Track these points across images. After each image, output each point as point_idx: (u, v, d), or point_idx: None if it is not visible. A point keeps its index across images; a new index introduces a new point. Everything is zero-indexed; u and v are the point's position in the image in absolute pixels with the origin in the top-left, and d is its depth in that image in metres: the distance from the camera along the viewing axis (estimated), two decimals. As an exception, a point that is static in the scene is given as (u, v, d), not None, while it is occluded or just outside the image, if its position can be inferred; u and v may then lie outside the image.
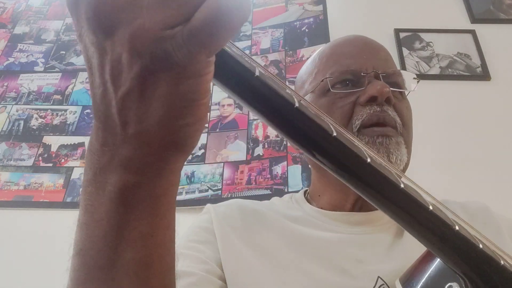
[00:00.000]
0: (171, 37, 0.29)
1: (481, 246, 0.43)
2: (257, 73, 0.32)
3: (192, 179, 1.68)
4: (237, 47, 0.32)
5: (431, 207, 0.39)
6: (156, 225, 0.39)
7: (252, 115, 1.76)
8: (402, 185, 0.37)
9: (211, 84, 0.33)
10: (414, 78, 0.88)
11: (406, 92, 0.89)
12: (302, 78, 0.95)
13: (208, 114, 1.84)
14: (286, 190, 1.61)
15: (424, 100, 1.81)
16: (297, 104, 0.32)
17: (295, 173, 1.65)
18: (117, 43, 0.30)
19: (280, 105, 0.32)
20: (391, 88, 0.81)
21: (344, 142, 0.34)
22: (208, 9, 0.29)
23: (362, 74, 0.82)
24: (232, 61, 0.32)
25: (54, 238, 1.57)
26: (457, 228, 0.41)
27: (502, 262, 0.45)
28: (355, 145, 0.35)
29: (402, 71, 0.87)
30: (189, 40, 0.29)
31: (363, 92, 0.81)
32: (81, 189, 0.39)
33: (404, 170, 0.81)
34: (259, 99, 0.32)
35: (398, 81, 0.86)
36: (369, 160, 0.35)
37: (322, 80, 0.85)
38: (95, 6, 0.29)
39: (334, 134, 0.34)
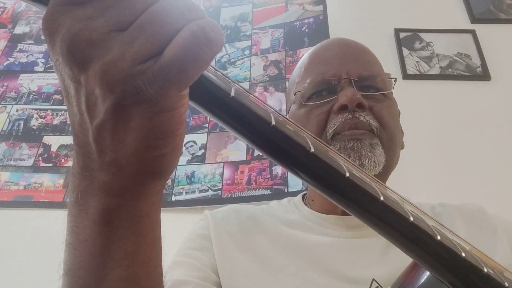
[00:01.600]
0: (141, 73, 0.29)
1: (463, 254, 0.43)
2: (232, 94, 0.32)
3: (192, 179, 1.68)
4: (212, 66, 0.33)
5: (412, 218, 0.39)
6: (140, 243, 0.40)
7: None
8: (382, 198, 0.37)
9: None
10: (389, 78, 0.89)
11: (390, 93, 0.89)
12: (289, 87, 0.98)
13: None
14: (286, 190, 1.61)
15: (424, 100, 1.81)
16: (273, 122, 0.33)
17: (295, 173, 1.65)
18: (90, 78, 0.30)
19: (257, 124, 0.33)
20: (363, 93, 0.82)
21: (322, 157, 0.34)
22: (178, 45, 0.29)
23: (333, 82, 0.83)
24: (207, 82, 0.32)
25: (54, 238, 1.58)
26: (439, 237, 0.41)
27: (485, 270, 0.45)
28: (334, 160, 0.35)
29: (380, 72, 0.88)
30: (160, 76, 0.29)
31: (335, 100, 0.82)
32: (67, 211, 0.40)
33: (385, 171, 0.81)
34: (236, 119, 0.33)
35: (375, 84, 0.86)
36: (348, 174, 0.35)
37: (295, 94, 0.87)
38: (69, 40, 0.29)
39: (312, 150, 0.34)
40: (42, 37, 2.16)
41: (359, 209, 0.37)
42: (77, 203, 0.37)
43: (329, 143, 0.80)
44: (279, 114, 0.35)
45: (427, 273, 0.52)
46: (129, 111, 0.31)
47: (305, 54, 0.96)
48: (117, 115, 0.31)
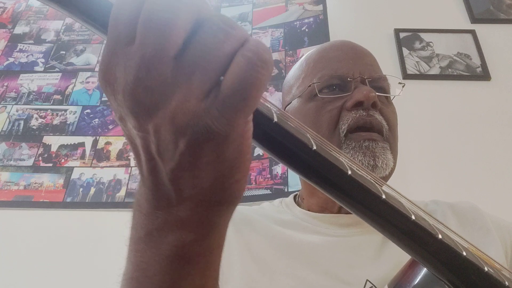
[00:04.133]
0: (206, 109, 0.29)
1: (464, 253, 0.43)
2: None
3: (192, 179, 1.68)
4: None
5: (413, 217, 0.39)
6: (208, 276, 0.40)
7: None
8: (383, 196, 0.37)
9: None
10: (399, 82, 0.89)
11: (392, 97, 0.90)
12: (290, 83, 0.96)
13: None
14: (286, 190, 1.61)
15: (424, 100, 1.81)
16: (276, 119, 0.33)
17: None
18: (158, 125, 0.30)
19: (259, 121, 0.32)
20: (377, 93, 0.82)
21: (325, 155, 0.34)
22: (236, 74, 0.29)
23: (348, 79, 0.83)
24: None
25: (54, 238, 1.58)
26: (440, 236, 0.41)
27: (486, 269, 0.45)
28: (336, 158, 0.35)
29: (387, 76, 0.88)
30: (224, 109, 0.29)
31: (350, 97, 0.82)
32: (128, 244, 0.40)
33: (389, 175, 0.82)
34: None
35: (383, 86, 0.87)
36: (350, 172, 0.35)
37: (310, 85, 0.86)
38: (131, 92, 0.29)
39: (314, 147, 0.34)
40: (42, 37, 2.18)
41: (360, 207, 0.37)
42: (148, 240, 0.37)
43: (342, 141, 0.80)
44: (280, 110, 0.35)
45: (424, 272, 0.52)
46: (202, 148, 0.31)
47: (311, 52, 0.95)
48: (191, 154, 0.31)
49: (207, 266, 0.39)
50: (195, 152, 0.31)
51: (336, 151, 0.37)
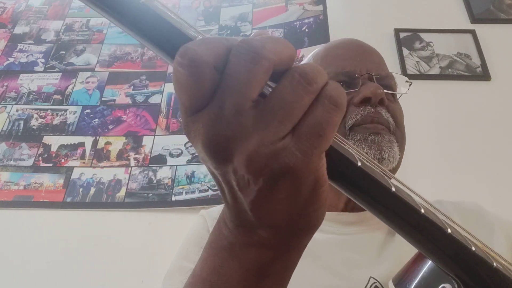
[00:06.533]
0: (283, 149, 0.30)
1: (473, 248, 0.43)
2: None
3: (192, 179, 1.68)
4: None
5: (423, 210, 0.39)
6: None
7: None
8: (393, 189, 0.37)
9: None
10: (406, 81, 0.90)
11: (398, 95, 0.90)
12: None
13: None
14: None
15: (424, 100, 1.81)
16: None
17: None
18: (237, 167, 0.32)
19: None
20: (384, 90, 0.82)
21: (334, 145, 0.34)
22: (313, 118, 0.30)
23: (356, 75, 0.84)
24: None
25: (54, 238, 1.58)
26: (449, 231, 0.41)
27: (494, 264, 0.44)
28: (345, 149, 0.35)
29: (394, 74, 0.88)
30: (302, 147, 0.30)
31: (357, 93, 0.82)
32: (209, 247, 0.42)
33: (395, 169, 0.82)
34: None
35: (390, 84, 0.87)
36: (359, 164, 0.35)
37: None
38: (208, 145, 0.31)
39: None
40: (42, 37, 2.18)
41: (369, 199, 0.37)
42: (230, 250, 0.39)
43: (347, 133, 0.81)
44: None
45: (429, 267, 0.52)
46: (280, 185, 0.32)
47: (318, 50, 0.95)
48: (269, 190, 0.33)
49: (282, 283, 0.41)
50: (273, 188, 0.32)
51: (345, 142, 0.37)
